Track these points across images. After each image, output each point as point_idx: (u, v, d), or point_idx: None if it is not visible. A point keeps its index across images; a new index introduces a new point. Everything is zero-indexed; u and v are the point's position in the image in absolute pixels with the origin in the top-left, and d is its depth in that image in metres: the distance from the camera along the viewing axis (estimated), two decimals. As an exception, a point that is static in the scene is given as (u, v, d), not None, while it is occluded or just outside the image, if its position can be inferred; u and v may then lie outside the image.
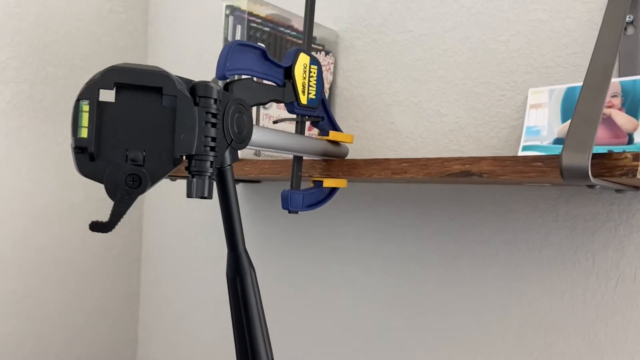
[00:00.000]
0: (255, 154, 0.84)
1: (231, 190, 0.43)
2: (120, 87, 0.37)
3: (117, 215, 0.36)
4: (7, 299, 1.08)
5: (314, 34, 0.94)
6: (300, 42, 0.91)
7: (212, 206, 1.18)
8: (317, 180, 0.70)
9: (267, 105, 0.86)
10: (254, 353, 0.43)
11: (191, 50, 1.24)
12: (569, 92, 0.70)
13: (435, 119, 0.85)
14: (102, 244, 1.24)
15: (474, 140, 0.81)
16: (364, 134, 0.93)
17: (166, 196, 1.29)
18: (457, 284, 0.82)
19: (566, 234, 0.72)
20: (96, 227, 0.36)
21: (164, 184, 1.29)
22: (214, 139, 0.40)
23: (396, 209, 0.89)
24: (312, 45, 0.94)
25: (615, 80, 0.66)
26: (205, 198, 0.40)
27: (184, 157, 0.39)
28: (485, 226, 0.80)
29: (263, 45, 0.64)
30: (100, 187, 1.20)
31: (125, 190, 0.36)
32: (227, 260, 0.44)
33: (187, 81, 0.39)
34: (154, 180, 0.37)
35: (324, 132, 0.70)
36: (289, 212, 0.67)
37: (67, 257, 1.17)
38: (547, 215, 0.74)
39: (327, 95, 0.96)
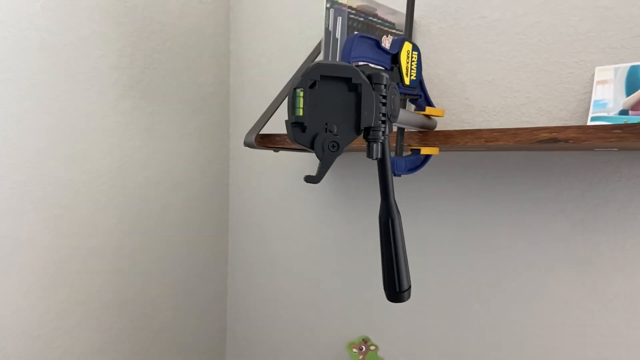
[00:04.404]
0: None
1: (387, 153, 0.57)
2: (321, 78, 0.51)
3: (323, 170, 0.51)
4: (111, 263, 1.25)
5: (393, 21, 1.06)
6: (384, 28, 1.03)
7: (291, 175, 1.32)
8: (414, 148, 0.83)
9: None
10: (399, 278, 0.57)
11: (273, 38, 1.38)
12: (632, 69, 0.81)
13: (507, 94, 0.97)
14: (197, 213, 1.40)
15: (544, 112, 0.93)
16: (441, 108, 1.06)
17: (250, 166, 1.45)
18: (528, 235, 0.95)
19: (628, 191, 0.84)
20: (309, 178, 0.51)
21: (248, 154, 1.44)
22: (384, 115, 0.54)
23: (473, 174, 1.02)
24: (392, 30, 1.06)
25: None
26: (377, 159, 0.54)
27: (363, 129, 0.53)
28: (554, 186, 0.92)
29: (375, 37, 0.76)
30: (202, 162, 1.36)
31: (328, 153, 0.51)
32: (381, 207, 0.58)
33: (363, 70, 0.53)
34: (344, 145, 0.51)
35: (420, 108, 0.83)
36: (394, 175, 0.81)
37: (166, 225, 1.34)
38: (612, 175, 0.86)
39: (407, 75, 1.08)
